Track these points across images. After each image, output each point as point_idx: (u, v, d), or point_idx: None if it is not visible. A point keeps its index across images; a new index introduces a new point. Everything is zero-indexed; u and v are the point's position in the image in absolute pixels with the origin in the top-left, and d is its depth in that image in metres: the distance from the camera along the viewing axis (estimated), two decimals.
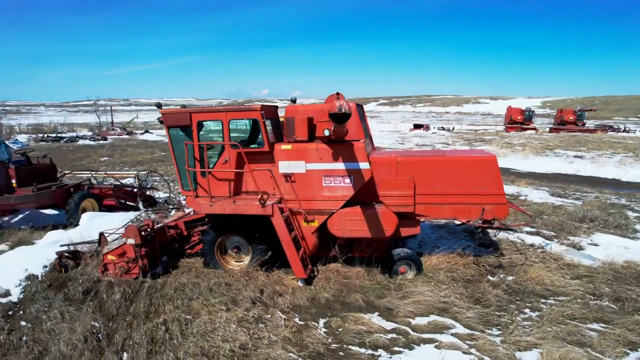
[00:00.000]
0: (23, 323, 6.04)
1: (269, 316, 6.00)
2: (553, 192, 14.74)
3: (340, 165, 7.05)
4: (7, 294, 6.86)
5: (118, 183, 12.86)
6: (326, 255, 7.84)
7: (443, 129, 52.50)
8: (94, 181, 12.34)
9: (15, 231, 9.80)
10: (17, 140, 40.65)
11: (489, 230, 8.87)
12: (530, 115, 45.73)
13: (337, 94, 7.99)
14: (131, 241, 7.06)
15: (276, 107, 8.05)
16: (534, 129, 44.38)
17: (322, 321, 5.96)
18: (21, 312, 6.35)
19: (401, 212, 7.30)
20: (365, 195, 7.32)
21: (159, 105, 7.51)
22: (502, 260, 7.99)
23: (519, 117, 44.85)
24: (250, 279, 7.01)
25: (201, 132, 7.39)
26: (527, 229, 9.97)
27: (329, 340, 5.47)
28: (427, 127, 50.98)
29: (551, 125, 47.08)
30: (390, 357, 5.09)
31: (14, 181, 10.38)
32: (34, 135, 47.69)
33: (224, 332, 5.51)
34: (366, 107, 8.94)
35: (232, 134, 7.31)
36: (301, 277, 7.04)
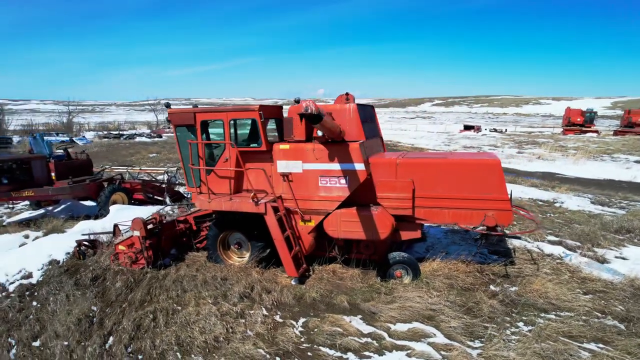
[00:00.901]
0: (34, 303, 6.64)
1: (252, 312, 6.13)
2: (596, 199, 13.62)
3: (335, 166, 7.03)
4: (29, 276, 7.56)
5: (149, 178, 13.65)
6: (324, 256, 7.84)
7: (495, 130, 50.15)
8: (126, 176, 13.20)
9: (52, 220, 10.74)
10: (83, 137, 44.38)
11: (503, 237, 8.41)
12: (591, 116, 42.24)
13: (347, 94, 7.97)
14: (137, 233, 7.51)
15: (280, 107, 8.17)
16: (596, 131, 40.99)
17: (301, 320, 6.00)
18: (35, 293, 6.97)
19: (399, 215, 7.14)
20: (363, 196, 7.24)
21: (167, 105, 7.90)
22: (510, 269, 7.54)
23: (578, 119, 41.61)
24: (246, 275, 7.19)
25: (210, 131, 7.69)
26: (551, 237, 9.33)
27: (302, 339, 5.50)
28: (478, 129, 48.93)
29: (616, 128, 43.32)
30: None
31: (53, 174, 11.38)
32: (99, 133, 51.78)
33: (204, 324, 5.73)
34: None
35: (239, 133, 7.53)
36: (293, 276, 7.11)
